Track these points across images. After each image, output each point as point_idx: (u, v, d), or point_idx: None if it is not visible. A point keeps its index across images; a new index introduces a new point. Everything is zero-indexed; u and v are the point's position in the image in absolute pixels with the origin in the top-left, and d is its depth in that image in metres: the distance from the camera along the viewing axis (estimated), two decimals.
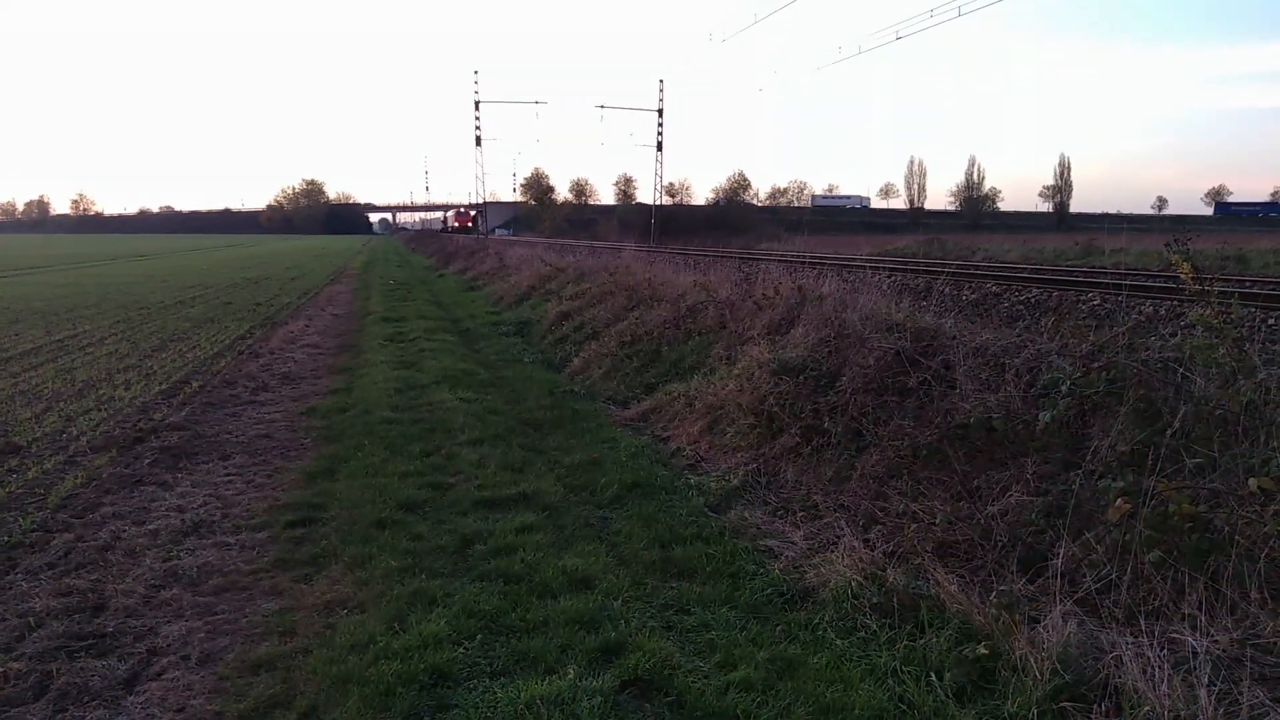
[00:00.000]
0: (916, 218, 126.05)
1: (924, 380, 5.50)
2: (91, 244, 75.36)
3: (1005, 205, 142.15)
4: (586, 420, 8.02)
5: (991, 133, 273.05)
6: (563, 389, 9.55)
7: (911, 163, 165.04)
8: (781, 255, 18.93)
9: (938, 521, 4.46)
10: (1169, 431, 3.85)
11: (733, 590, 4.33)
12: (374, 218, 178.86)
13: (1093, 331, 5.04)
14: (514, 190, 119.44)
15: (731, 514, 5.42)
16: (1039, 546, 4.02)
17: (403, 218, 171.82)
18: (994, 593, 3.62)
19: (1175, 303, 8.57)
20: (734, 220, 76.76)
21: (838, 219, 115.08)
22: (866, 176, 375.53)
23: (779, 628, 3.92)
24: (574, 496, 5.84)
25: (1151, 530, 3.51)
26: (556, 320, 13.89)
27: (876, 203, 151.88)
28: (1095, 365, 4.46)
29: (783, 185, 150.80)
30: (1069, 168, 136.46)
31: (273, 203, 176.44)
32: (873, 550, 4.37)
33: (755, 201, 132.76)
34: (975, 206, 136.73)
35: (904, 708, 3.24)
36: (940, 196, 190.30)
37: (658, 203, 57.70)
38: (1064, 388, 4.49)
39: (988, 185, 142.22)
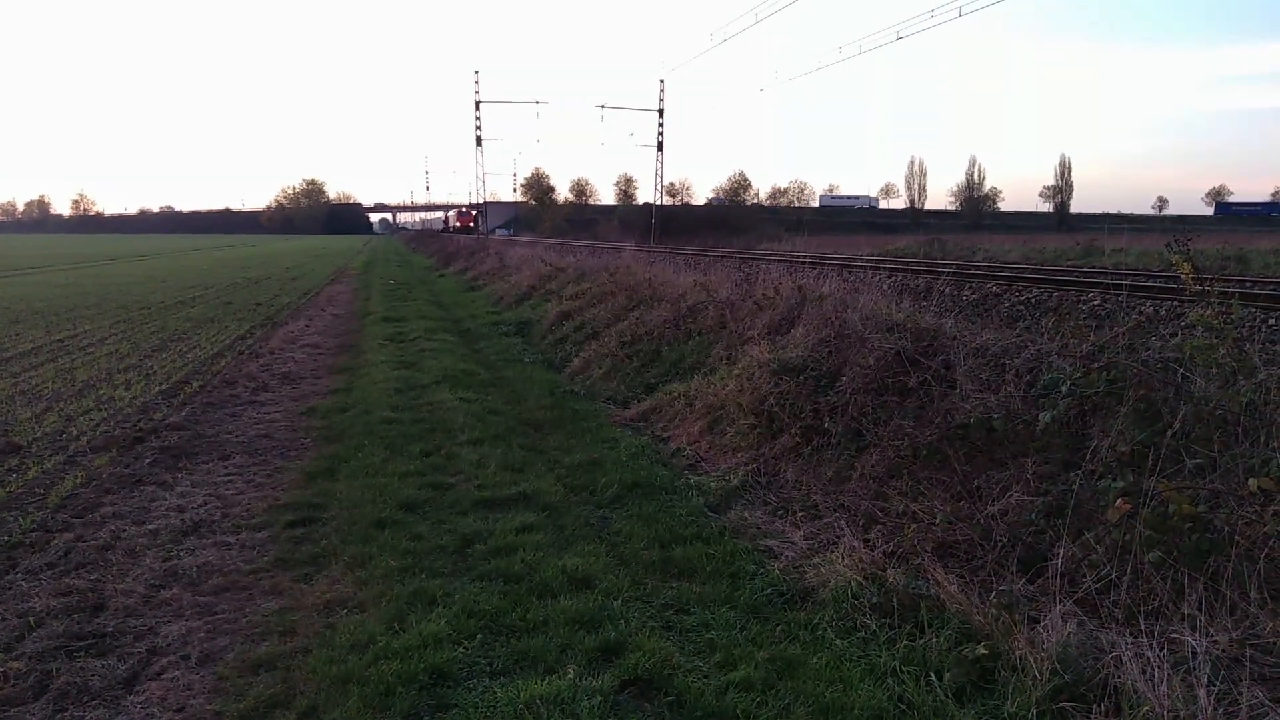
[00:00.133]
0: (917, 218, 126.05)
1: (924, 380, 5.50)
2: (92, 244, 75.40)
3: (1006, 205, 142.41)
4: (587, 420, 8.03)
5: (992, 133, 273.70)
6: (563, 389, 9.55)
7: (912, 163, 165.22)
8: (782, 255, 18.94)
9: (938, 521, 4.46)
10: (1169, 432, 3.84)
11: (733, 590, 4.33)
12: (374, 218, 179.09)
13: (1093, 332, 5.04)
14: (514, 190, 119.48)
15: (731, 514, 5.42)
16: (1039, 546, 4.02)
17: (403, 218, 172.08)
18: (994, 593, 3.62)
19: (1175, 303, 8.57)
20: (734, 220, 76.85)
21: (838, 219, 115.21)
22: (867, 176, 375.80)
23: (779, 628, 3.92)
24: (574, 496, 5.84)
25: (1151, 530, 3.51)
26: (557, 320, 13.89)
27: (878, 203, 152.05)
28: (1095, 365, 4.46)
29: (783, 185, 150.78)
30: (1069, 168, 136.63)
31: (273, 203, 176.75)
32: (873, 550, 4.37)
33: (756, 201, 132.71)
34: (976, 207, 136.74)
35: (904, 708, 3.24)
36: (941, 197, 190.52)
37: (658, 203, 57.72)
38: (1064, 388, 4.49)
39: (988, 185, 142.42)
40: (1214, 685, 2.79)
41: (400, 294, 22.15)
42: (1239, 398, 3.75)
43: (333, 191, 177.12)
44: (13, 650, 3.78)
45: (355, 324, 16.14)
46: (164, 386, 9.58)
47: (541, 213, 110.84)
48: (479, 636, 3.84)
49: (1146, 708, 2.80)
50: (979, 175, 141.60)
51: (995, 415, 4.76)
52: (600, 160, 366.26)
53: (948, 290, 10.95)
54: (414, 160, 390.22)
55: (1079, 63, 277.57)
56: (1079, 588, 3.60)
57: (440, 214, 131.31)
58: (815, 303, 7.44)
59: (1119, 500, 3.64)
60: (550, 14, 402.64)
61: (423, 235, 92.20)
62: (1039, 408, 4.58)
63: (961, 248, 38.39)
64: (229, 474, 6.43)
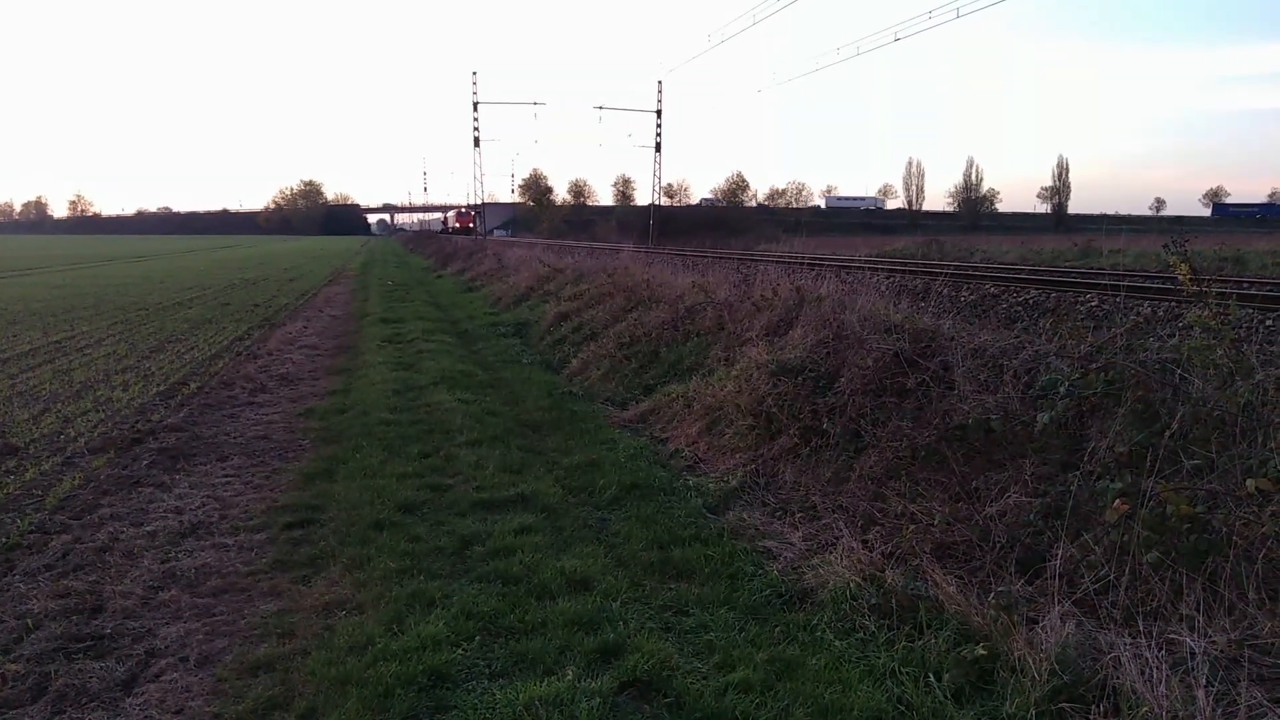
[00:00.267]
0: (915, 219, 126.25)
1: (922, 381, 5.50)
2: (89, 245, 75.31)
3: (1003, 206, 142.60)
4: (585, 421, 8.02)
5: (990, 134, 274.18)
6: (561, 390, 9.55)
7: (910, 164, 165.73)
8: (780, 256, 18.95)
9: (936, 522, 4.46)
10: (1167, 433, 3.85)
11: (731, 591, 4.33)
12: (372, 219, 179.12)
13: (1091, 333, 5.04)
14: (512, 191, 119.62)
15: (730, 515, 5.42)
16: (1037, 547, 4.03)
17: (401, 218, 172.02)
18: (992, 593, 3.63)
19: (1173, 304, 8.58)
20: (732, 221, 76.88)
21: (836, 220, 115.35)
22: (865, 177, 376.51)
23: (777, 629, 3.93)
24: (572, 498, 5.84)
25: (1149, 531, 3.52)
26: (555, 321, 13.89)
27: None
28: (1093, 366, 4.46)
29: (781, 186, 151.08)
30: (1067, 169, 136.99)
31: (271, 204, 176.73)
32: (871, 551, 4.37)
33: (754, 202, 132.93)
34: (973, 208, 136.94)
35: (902, 709, 3.24)
36: (938, 198, 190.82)
37: (656, 204, 57.73)
38: (1062, 389, 4.50)
39: (986, 186, 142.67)
40: (1212, 686, 2.79)
41: (398, 295, 22.14)
42: (1236, 398, 3.75)
43: (330, 192, 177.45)
44: (11, 652, 3.78)
45: (353, 325, 16.13)
46: (162, 388, 9.57)
47: (539, 214, 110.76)
48: (478, 638, 3.83)
49: (1145, 708, 2.80)
50: (977, 176, 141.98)
51: (993, 416, 4.76)
52: (598, 161, 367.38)
53: (946, 291, 10.97)
54: (412, 161, 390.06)
55: (1077, 63, 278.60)
56: (1077, 588, 3.61)
57: (438, 215, 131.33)
58: (813, 304, 7.45)
59: (1117, 501, 3.64)
60: (548, 15, 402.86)
61: (421, 236, 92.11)
62: (1037, 409, 4.59)
63: (959, 249, 38.43)
64: (227, 475, 6.42)
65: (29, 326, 14.99)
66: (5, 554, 4.86)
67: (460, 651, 3.71)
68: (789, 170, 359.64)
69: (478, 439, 7.19)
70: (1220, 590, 3.28)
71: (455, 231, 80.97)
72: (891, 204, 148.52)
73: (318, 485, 6.09)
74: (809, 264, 12.33)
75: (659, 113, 51.73)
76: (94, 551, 4.89)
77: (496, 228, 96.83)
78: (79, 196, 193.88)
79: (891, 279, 12.23)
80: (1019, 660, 3.23)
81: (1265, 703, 2.75)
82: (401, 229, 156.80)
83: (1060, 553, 3.76)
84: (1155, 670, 2.89)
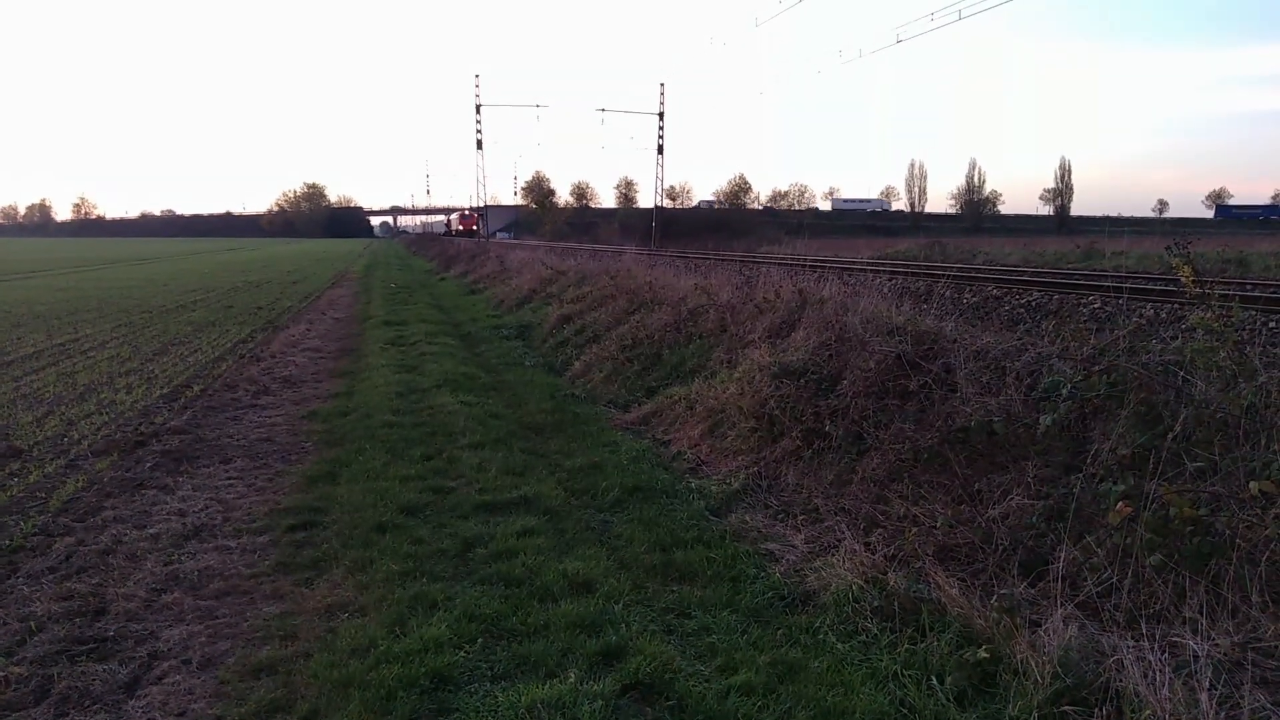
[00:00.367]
0: (917, 221, 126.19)
1: (925, 384, 5.50)
2: (93, 247, 75.49)
3: (1006, 208, 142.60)
4: (587, 424, 8.03)
5: (992, 136, 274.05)
6: (564, 393, 9.55)
7: (912, 166, 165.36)
8: (782, 258, 18.95)
9: (939, 525, 4.46)
10: (1170, 435, 3.84)
11: (734, 594, 4.33)
12: (375, 221, 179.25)
13: (1093, 335, 5.04)
14: (515, 193, 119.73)
15: (732, 517, 5.42)
16: (1040, 550, 4.02)
17: (404, 221, 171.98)
18: (995, 596, 3.62)
19: (1176, 306, 8.57)
20: (735, 223, 76.88)
21: (839, 222, 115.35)
22: (868, 179, 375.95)
23: (780, 631, 3.92)
24: (575, 500, 5.84)
25: (1152, 533, 3.51)
26: (557, 324, 13.90)
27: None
28: (1096, 369, 4.46)
29: (784, 188, 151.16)
30: (1070, 171, 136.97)
31: (274, 206, 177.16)
32: (873, 554, 4.37)
33: (756, 204, 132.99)
34: (976, 209, 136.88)
35: (905, 711, 3.24)
36: (941, 199, 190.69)
37: (659, 206, 57.75)
38: (1065, 391, 4.49)
39: (988, 188, 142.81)
40: (1216, 689, 2.78)
41: (401, 297, 22.16)
42: (1240, 400, 3.75)
43: (333, 195, 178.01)
44: (14, 655, 3.79)
45: (356, 328, 16.15)
46: (165, 390, 9.59)
47: (542, 216, 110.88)
48: (480, 640, 3.84)
49: (1148, 711, 2.79)
50: (979, 178, 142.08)
51: (996, 418, 4.76)
52: (601, 163, 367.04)
53: (948, 293, 10.95)
54: (415, 164, 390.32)
55: (1080, 65, 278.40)
56: (1080, 591, 3.60)
57: (441, 217, 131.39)
58: (816, 306, 7.45)
59: (1120, 503, 3.63)
60: (551, 18, 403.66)
61: (423, 238, 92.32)
62: (1040, 411, 4.58)
63: (962, 250, 38.35)
64: (230, 478, 6.43)
65: (33, 329, 15.03)
66: (9, 556, 4.88)
67: (462, 654, 3.72)
68: (791, 172, 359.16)
69: (480, 441, 7.19)
70: (1223, 593, 3.27)
71: (458, 234, 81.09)
72: (895, 206, 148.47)
73: (320, 488, 6.10)
74: (811, 266, 12.32)
75: (661, 115, 51.80)
76: (97, 554, 4.90)
77: (499, 230, 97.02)
78: (83, 199, 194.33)
79: (894, 281, 12.23)
80: (1021, 663, 3.22)
81: (1269, 706, 2.75)
82: (404, 231, 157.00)
83: (1063, 555, 3.75)
84: (1158, 673, 2.89)
